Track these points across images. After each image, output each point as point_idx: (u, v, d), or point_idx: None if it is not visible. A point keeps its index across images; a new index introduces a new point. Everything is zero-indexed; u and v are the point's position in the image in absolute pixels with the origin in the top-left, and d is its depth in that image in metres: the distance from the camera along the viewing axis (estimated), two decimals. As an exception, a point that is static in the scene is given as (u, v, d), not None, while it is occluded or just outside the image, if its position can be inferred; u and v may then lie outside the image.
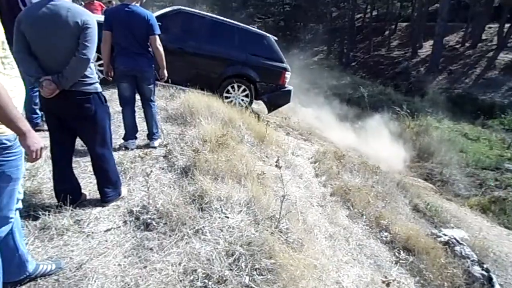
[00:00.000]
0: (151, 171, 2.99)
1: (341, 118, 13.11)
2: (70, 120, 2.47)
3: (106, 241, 2.32)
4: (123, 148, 3.76)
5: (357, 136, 10.97)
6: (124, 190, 2.87)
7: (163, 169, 3.47)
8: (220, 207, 2.78)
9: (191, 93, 5.85)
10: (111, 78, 3.77)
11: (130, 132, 3.90)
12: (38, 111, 4.16)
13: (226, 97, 6.77)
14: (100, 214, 2.59)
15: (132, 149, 3.82)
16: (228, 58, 6.78)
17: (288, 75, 7.25)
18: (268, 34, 7.29)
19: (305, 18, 34.99)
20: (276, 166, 2.84)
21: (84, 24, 2.25)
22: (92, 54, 2.33)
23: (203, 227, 2.52)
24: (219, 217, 2.67)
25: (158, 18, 6.05)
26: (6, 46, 1.45)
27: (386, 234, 3.92)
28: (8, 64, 1.46)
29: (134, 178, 3.20)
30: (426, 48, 24.95)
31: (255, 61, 6.92)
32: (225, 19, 7.17)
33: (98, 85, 2.51)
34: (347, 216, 4.06)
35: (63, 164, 2.60)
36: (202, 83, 6.42)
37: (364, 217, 4.10)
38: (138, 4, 3.63)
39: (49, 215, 2.43)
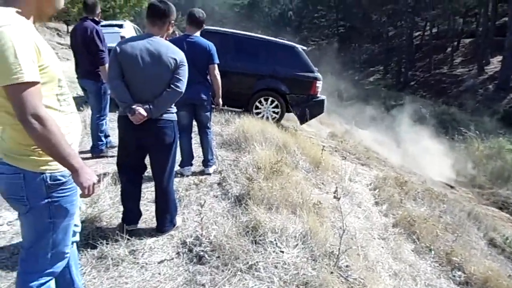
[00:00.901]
0: (205, 201, 2.95)
1: (401, 140, 12.44)
2: (149, 146, 2.61)
3: (159, 273, 2.28)
4: (179, 175, 3.79)
5: (419, 160, 10.29)
6: (179, 220, 2.86)
7: (217, 197, 3.44)
8: (275, 240, 2.64)
9: (246, 118, 5.87)
10: None
11: (186, 159, 3.94)
12: (103, 138, 4.38)
13: (257, 112, 6.78)
14: (154, 244, 2.58)
15: (187, 176, 3.85)
16: (255, 72, 6.79)
17: (319, 84, 7.04)
18: (295, 44, 7.20)
19: (360, 38, 34.57)
20: (335, 197, 2.66)
21: (181, 62, 2.51)
22: (184, 87, 2.55)
23: (257, 262, 2.39)
24: (274, 252, 2.53)
25: None
26: (63, 83, 1.49)
27: (459, 273, 3.51)
28: (64, 101, 1.49)
29: (189, 207, 3.18)
30: (494, 64, 23.27)
31: (283, 73, 6.84)
32: (250, 33, 7.24)
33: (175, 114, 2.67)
34: (412, 251, 3.71)
35: (136, 190, 2.74)
36: (232, 101, 6.44)
37: (433, 252, 3.72)
38: (198, 34, 3.74)
39: (106, 244, 2.47)
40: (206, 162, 4.03)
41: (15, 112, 1.30)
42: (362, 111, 15.90)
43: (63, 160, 1.37)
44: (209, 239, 2.57)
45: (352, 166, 6.13)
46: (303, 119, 7.12)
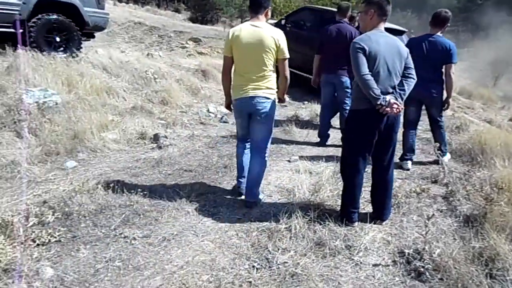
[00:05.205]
0: (433, 214, 2.66)
1: None
2: (387, 131, 2.62)
3: (373, 277, 2.23)
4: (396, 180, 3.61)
5: None
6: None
7: (441, 211, 3.08)
8: (519, 280, 2.15)
9: (483, 127, 5.02)
10: None
11: (409, 152, 4.06)
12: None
13: None
14: (370, 245, 2.52)
15: (407, 169, 3.96)
16: None
17: None
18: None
19: None
20: None
21: (408, 52, 2.64)
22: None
23: (493, 300, 2.01)
24: (517, 294, 2.07)
25: (290, 15, 8.50)
26: None
27: None
28: None
29: (407, 215, 2.98)
30: None
31: None
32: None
33: None
34: None
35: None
36: None
37: None
38: (441, 34, 3.86)
39: (325, 232, 2.59)
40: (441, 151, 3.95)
41: (281, 72, 2.88)
42: None
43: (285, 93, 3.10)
44: (431, 256, 2.33)
45: None
46: None
